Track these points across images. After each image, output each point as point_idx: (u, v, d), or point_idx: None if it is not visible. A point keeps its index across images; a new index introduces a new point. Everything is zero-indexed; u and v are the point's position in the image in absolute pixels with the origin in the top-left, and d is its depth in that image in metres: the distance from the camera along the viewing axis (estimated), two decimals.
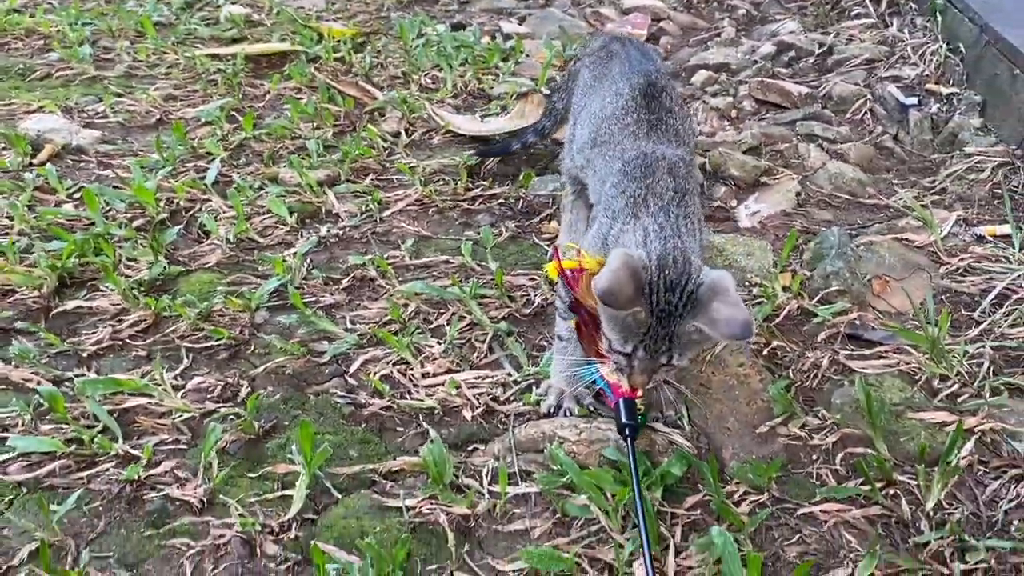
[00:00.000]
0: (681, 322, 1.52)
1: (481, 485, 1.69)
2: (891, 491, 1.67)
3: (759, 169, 2.79)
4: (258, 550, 1.55)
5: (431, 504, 1.64)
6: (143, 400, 1.85)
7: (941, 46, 3.40)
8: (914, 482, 1.67)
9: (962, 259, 2.33)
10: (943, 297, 2.20)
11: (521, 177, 2.74)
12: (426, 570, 1.53)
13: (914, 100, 3.17)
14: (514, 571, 1.51)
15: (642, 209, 1.68)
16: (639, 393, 1.69)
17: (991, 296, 2.17)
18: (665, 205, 1.67)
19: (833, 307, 2.13)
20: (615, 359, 1.61)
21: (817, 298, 2.17)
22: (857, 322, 2.11)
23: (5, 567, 1.49)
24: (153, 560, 1.53)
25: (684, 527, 1.60)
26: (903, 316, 2.15)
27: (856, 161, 2.90)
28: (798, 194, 2.70)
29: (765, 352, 2.02)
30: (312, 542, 1.51)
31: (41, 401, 1.81)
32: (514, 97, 3.33)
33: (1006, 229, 2.43)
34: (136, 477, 1.67)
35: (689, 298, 1.51)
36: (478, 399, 1.90)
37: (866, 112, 3.22)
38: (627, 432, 1.64)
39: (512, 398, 1.92)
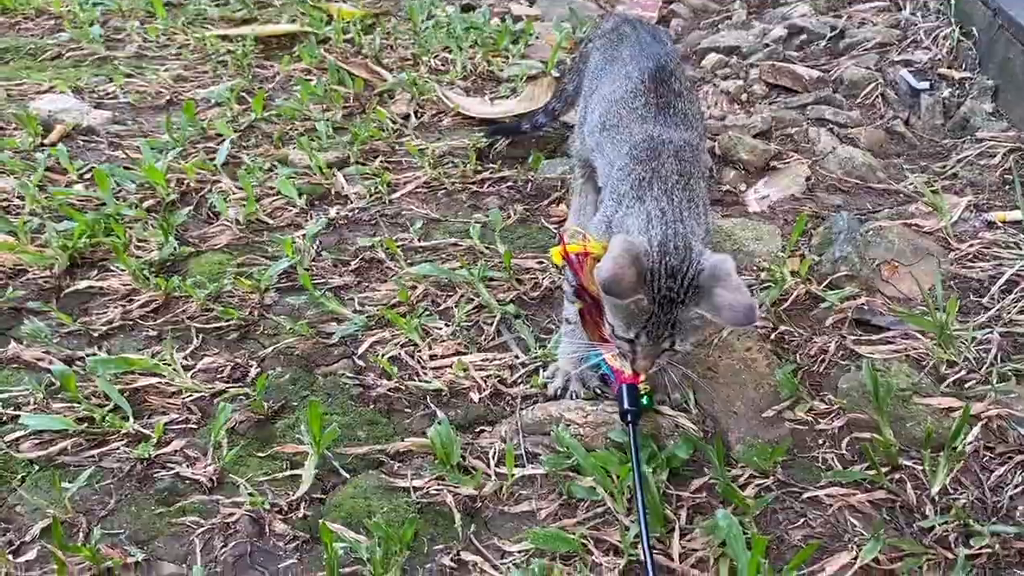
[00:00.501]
0: (683, 308, 1.52)
1: (488, 466, 1.70)
2: (896, 476, 1.67)
3: (769, 153, 2.78)
4: (267, 528, 1.57)
5: (438, 485, 1.65)
6: (153, 380, 1.87)
7: (954, 30, 3.37)
8: (920, 467, 1.68)
9: (972, 245, 2.32)
10: (952, 283, 2.19)
11: (530, 160, 2.74)
12: (433, 550, 1.54)
13: (926, 84, 3.15)
14: (520, 552, 1.53)
15: (647, 193, 1.68)
16: (641, 378, 1.70)
17: (1000, 282, 2.16)
18: (669, 189, 1.68)
19: (841, 292, 2.13)
20: (618, 345, 1.63)
21: (825, 283, 2.17)
22: (865, 307, 2.11)
23: (18, 543, 1.51)
24: (163, 538, 1.55)
25: (689, 510, 1.61)
26: (911, 302, 2.14)
27: (867, 146, 2.89)
28: (808, 178, 2.69)
29: (772, 336, 2.02)
30: (320, 521, 1.52)
31: (53, 380, 1.83)
32: (524, 80, 3.32)
33: (1016, 215, 2.42)
34: (147, 456, 1.69)
35: (690, 284, 1.52)
36: (485, 381, 1.91)
37: (877, 96, 3.20)
38: (629, 418, 1.65)
39: (519, 380, 1.93)
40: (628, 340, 1.59)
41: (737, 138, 2.81)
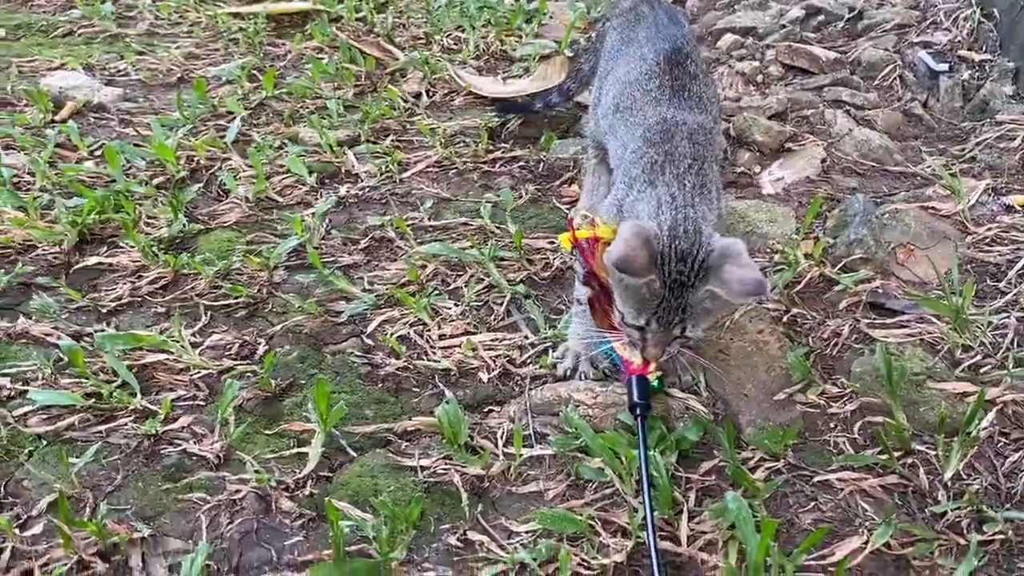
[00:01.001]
0: (694, 292, 1.51)
1: (496, 446, 1.68)
2: (909, 460, 1.65)
3: (784, 135, 2.75)
4: (273, 506, 1.56)
5: (446, 464, 1.64)
6: (161, 356, 1.86)
7: (974, 11, 3.31)
8: (933, 452, 1.65)
9: (989, 229, 2.29)
10: (968, 267, 2.16)
11: (542, 140, 2.71)
12: (439, 529, 1.53)
13: (945, 66, 3.10)
14: (528, 532, 1.52)
15: (658, 177, 1.67)
16: (651, 367, 1.68)
17: (1018, 267, 2.13)
18: (681, 173, 1.67)
19: (856, 275, 2.10)
20: (628, 332, 1.61)
21: (840, 266, 2.15)
22: (880, 290, 2.08)
23: (25, 517, 1.51)
24: (169, 514, 1.54)
25: (698, 492, 1.60)
26: (927, 285, 2.11)
27: (884, 128, 2.85)
28: (823, 161, 2.66)
29: (785, 319, 2.00)
30: (327, 499, 1.51)
31: (61, 355, 1.83)
32: (537, 59, 3.29)
33: None
34: (154, 432, 1.68)
35: (701, 267, 1.51)
36: (495, 361, 1.89)
37: (895, 78, 3.15)
38: (638, 411, 1.63)
39: (529, 361, 1.91)
40: (638, 327, 1.57)
41: (752, 119, 2.77)
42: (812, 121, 2.88)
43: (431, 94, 3.08)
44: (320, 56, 3.29)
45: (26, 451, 1.64)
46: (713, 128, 1.87)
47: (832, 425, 1.75)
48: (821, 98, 3.03)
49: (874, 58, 3.23)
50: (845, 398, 1.80)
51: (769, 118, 2.84)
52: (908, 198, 2.44)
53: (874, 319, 2.01)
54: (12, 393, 1.77)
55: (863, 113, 2.94)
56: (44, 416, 1.72)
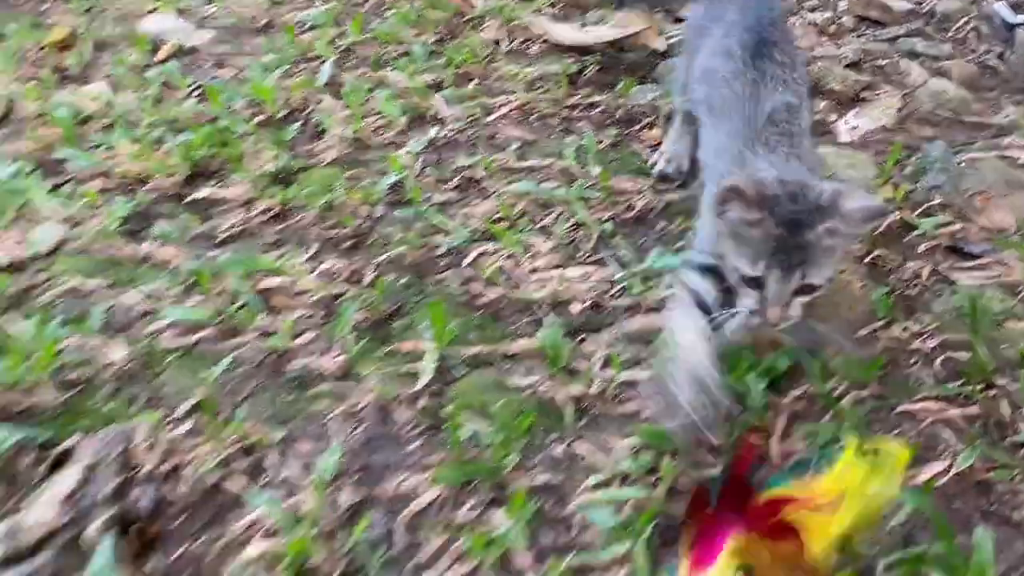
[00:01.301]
0: (811, 230, 1.53)
1: (592, 370, 1.79)
2: (990, 393, 1.73)
3: (860, 84, 2.79)
4: (392, 416, 1.69)
5: (549, 383, 1.75)
6: (278, 280, 1.98)
7: None
8: (1014, 386, 1.73)
9: None
10: None
11: (621, 86, 2.78)
12: (545, 442, 1.65)
13: (1021, 19, 3.10)
14: (629, 446, 1.63)
15: (749, 154, 1.74)
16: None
17: None
18: (775, 146, 1.75)
19: (935, 220, 2.16)
20: (744, 293, 1.63)
21: (919, 211, 2.21)
22: (959, 235, 2.14)
23: (171, 418, 1.66)
24: (298, 420, 1.68)
25: (788, 416, 1.69)
26: (1004, 232, 2.17)
27: (959, 79, 2.87)
28: (899, 110, 2.70)
29: (866, 260, 2.07)
30: (451, 406, 1.64)
31: (185, 278, 1.96)
32: (614, 6, 3.33)
33: None
34: (279, 347, 1.81)
35: (814, 207, 1.55)
36: (587, 293, 1.99)
37: (970, 30, 3.17)
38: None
39: (618, 294, 2.01)
40: (756, 279, 1.59)
41: (827, 68, 2.82)
42: (887, 71, 2.91)
43: (510, 41, 3.14)
44: (400, 2, 3.36)
45: (165, 361, 1.78)
46: (801, 105, 1.90)
47: (913, 361, 1.83)
48: (895, 49, 3.06)
49: (949, 9, 3.24)
50: (926, 335, 1.88)
51: (844, 67, 2.88)
52: (985, 147, 2.48)
53: (953, 262, 2.08)
54: (145, 310, 1.90)
55: (938, 64, 2.96)
56: (176, 331, 1.86)
